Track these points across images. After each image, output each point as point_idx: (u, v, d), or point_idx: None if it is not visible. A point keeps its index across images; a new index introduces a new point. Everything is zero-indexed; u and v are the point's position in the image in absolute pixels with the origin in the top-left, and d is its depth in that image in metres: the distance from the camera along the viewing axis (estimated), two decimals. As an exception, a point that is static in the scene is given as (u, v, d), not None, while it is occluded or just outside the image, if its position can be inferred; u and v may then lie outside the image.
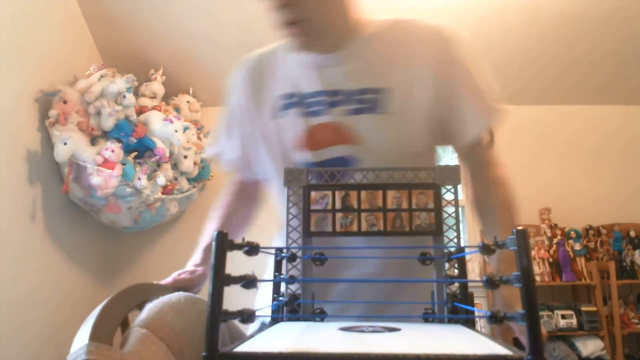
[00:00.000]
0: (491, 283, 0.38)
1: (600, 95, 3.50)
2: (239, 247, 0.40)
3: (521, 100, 3.55)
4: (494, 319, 0.37)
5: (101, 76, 2.57)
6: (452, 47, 0.95)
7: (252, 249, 0.42)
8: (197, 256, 0.97)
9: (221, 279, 0.35)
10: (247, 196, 1.11)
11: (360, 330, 0.43)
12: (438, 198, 0.54)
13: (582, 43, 3.04)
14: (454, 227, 0.52)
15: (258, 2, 0.90)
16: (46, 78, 2.36)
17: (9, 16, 2.13)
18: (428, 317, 0.52)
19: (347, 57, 0.92)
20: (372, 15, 0.99)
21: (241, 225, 1.10)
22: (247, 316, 0.38)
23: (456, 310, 0.51)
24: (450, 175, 0.55)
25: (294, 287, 0.53)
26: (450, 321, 0.52)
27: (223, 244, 0.36)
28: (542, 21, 2.87)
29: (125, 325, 0.71)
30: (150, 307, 0.71)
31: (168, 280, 0.90)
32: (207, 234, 1.03)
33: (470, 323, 0.54)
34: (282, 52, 0.99)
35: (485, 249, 0.41)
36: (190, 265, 0.94)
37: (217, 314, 0.34)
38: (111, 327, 0.65)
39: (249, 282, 0.39)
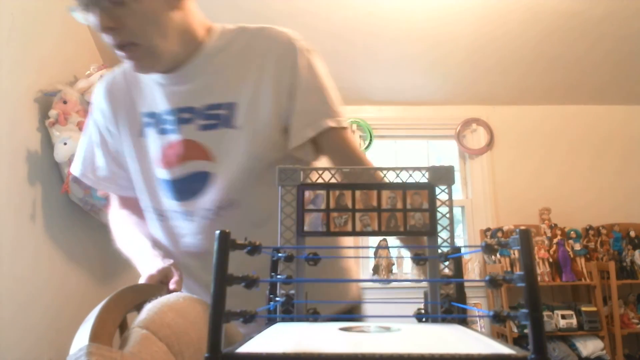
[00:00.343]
0: (494, 283, 0.38)
1: (600, 95, 3.50)
2: (241, 246, 0.40)
3: (521, 101, 3.56)
4: (497, 318, 0.37)
5: (101, 76, 2.57)
6: (294, 56, 0.93)
7: (254, 249, 0.42)
8: (151, 266, 0.90)
9: (224, 279, 0.35)
10: (134, 211, 1.08)
11: (361, 330, 0.43)
12: (432, 198, 0.55)
13: (582, 43, 3.04)
14: (448, 228, 0.53)
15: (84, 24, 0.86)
16: (46, 78, 2.36)
17: (9, 16, 2.13)
18: (422, 317, 0.52)
19: (190, 74, 0.92)
20: (217, 22, 0.98)
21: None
22: (249, 317, 0.38)
23: (450, 310, 0.51)
24: (444, 175, 0.55)
25: (287, 287, 0.53)
26: (445, 321, 0.52)
27: (225, 243, 0.36)
28: (542, 21, 2.87)
29: (123, 326, 0.72)
30: (149, 308, 0.71)
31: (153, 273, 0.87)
32: (138, 245, 1.00)
33: (465, 323, 0.54)
34: (151, 78, 0.97)
35: (488, 249, 0.41)
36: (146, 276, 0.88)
37: (219, 315, 0.34)
38: (111, 328, 0.65)
39: (251, 282, 0.39)
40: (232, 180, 0.91)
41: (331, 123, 0.92)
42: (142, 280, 0.86)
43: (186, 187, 0.93)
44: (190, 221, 0.94)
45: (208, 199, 0.92)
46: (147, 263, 0.91)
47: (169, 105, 0.94)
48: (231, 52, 0.93)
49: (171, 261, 0.90)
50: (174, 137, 0.93)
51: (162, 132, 0.95)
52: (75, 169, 1.08)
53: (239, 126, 0.90)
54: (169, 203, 0.95)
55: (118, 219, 1.08)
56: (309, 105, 0.92)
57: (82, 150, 1.07)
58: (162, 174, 0.94)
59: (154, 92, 0.96)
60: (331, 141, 0.93)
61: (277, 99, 0.91)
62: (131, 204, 1.06)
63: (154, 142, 0.95)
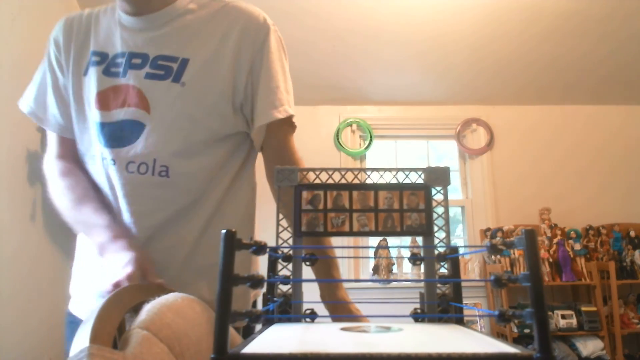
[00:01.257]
0: (499, 282, 0.38)
1: (601, 95, 3.50)
2: (246, 246, 0.40)
3: (521, 101, 3.56)
4: (502, 317, 0.37)
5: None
6: (266, 34, 0.94)
7: (260, 249, 0.42)
8: (125, 254, 0.84)
9: (230, 280, 0.35)
10: (74, 163, 1.00)
11: (362, 330, 0.43)
12: (428, 199, 0.55)
13: (582, 43, 3.04)
14: (444, 228, 0.53)
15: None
16: (46, 78, 2.37)
17: (9, 16, 2.14)
18: (418, 317, 0.52)
19: (156, 22, 0.93)
20: None
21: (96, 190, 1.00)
22: (255, 317, 0.38)
23: (447, 310, 0.51)
24: (440, 176, 0.55)
25: (284, 287, 0.53)
26: (442, 321, 0.52)
27: (231, 243, 0.36)
28: (542, 21, 2.87)
29: (121, 327, 0.71)
30: (148, 309, 0.71)
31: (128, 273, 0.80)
32: (99, 221, 0.91)
33: (462, 322, 0.54)
34: (109, 13, 0.98)
35: (493, 249, 0.41)
36: (123, 268, 0.83)
37: (226, 315, 0.33)
38: (110, 329, 0.65)
39: (257, 282, 0.39)
40: (164, 139, 0.89)
41: (292, 112, 0.93)
42: (120, 277, 0.80)
43: (117, 134, 0.90)
44: (116, 170, 0.89)
45: (134, 152, 0.89)
46: (110, 248, 0.85)
47: (124, 48, 0.93)
48: (200, 15, 0.94)
49: (137, 252, 0.83)
50: (118, 81, 0.92)
51: (108, 73, 0.93)
52: (25, 106, 1.02)
53: (185, 83, 0.89)
54: (99, 146, 0.91)
55: (58, 174, 0.98)
56: (276, 87, 0.93)
57: (35, 87, 1.01)
58: (97, 116, 0.91)
59: (114, 34, 0.95)
60: (281, 132, 0.95)
61: (235, 69, 0.91)
62: (73, 154, 1.00)
63: (95, 82, 0.93)
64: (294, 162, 0.94)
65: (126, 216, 0.89)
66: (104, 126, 0.90)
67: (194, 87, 0.89)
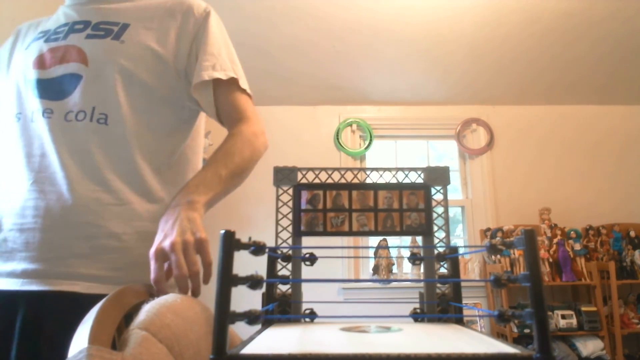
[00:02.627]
0: (499, 282, 0.38)
1: (601, 95, 3.50)
2: (245, 246, 0.40)
3: (521, 101, 3.56)
4: (502, 318, 0.37)
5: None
6: (206, 15, 1.02)
7: (259, 249, 0.42)
8: None
9: (229, 280, 0.35)
10: None
11: (362, 330, 0.43)
12: (428, 198, 0.55)
13: (582, 43, 3.04)
14: (444, 228, 0.53)
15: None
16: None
17: (9, 20, 2.14)
18: (418, 317, 0.52)
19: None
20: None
21: None
22: (254, 317, 0.38)
23: (446, 310, 0.51)
24: (440, 176, 0.55)
25: (284, 287, 0.53)
26: (441, 320, 0.52)
27: (230, 244, 0.36)
28: (542, 21, 2.87)
29: (120, 327, 0.71)
30: (147, 309, 0.71)
31: None
32: None
33: (461, 322, 0.54)
34: (62, 7, 1.06)
35: (492, 249, 0.41)
36: None
37: (225, 315, 0.33)
38: (109, 329, 0.64)
39: (256, 282, 0.39)
40: (101, 88, 0.92)
41: (234, 75, 0.98)
42: None
43: (55, 87, 0.93)
44: (48, 120, 0.90)
45: (73, 101, 0.91)
46: None
47: (67, 20, 1.00)
48: (147, 1, 1.02)
49: None
50: (57, 44, 0.96)
51: (48, 40, 0.98)
52: None
53: (124, 41, 0.95)
54: (33, 102, 0.93)
55: None
56: (217, 53, 0.98)
57: None
58: (33, 74, 0.95)
59: (60, 17, 1.04)
60: (229, 92, 0.99)
61: (177, 38, 0.97)
62: None
63: (35, 48, 0.98)
64: (243, 119, 0.97)
65: (55, 162, 0.88)
66: (41, 82, 0.94)
67: (132, 45, 0.95)
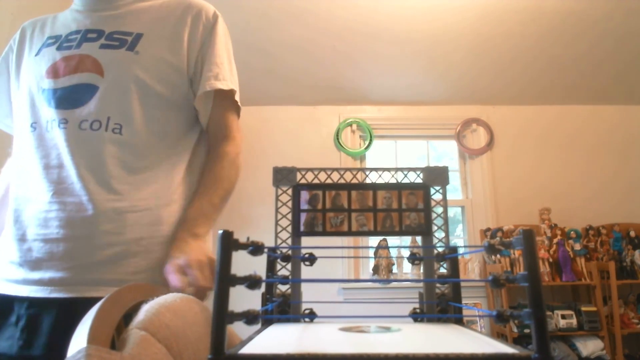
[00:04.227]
0: (497, 282, 0.38)
1: (601, 95, 3.50)
2: (244, 246, 0.40)
3: (521, 101, 3.56)
4: (500, 318, 0.37)
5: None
6: (214, 22, 1.04)
7: (257, 249, 0.42)
8: None
9: (227, 280, 0.35)
10: None
11: (361, 330, 0.43)
12: (427, 198, 0.55)
13: (582, 43, 3.04)
14: (443, 227, 0.53)
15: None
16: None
17: (9, 16, 2.14)
18: (417, 317, 0.52)
19: (113, 3, 1.01)
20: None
21: None
22: (252, 317, 0.38)
23: (446, 310, 0.51)
24: (439, 176, 0.55)
25: (283, 287, 0.53)
26: (441, 320, 0.52)
27: (229, 243, 0.36)
28: (542, 21, 2.87)
29: (119, 327, 0.71)
30: (147, 309, 0.71)
31: None
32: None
33: (461, 322, 0.54)
34: (71, 10, 1.06)
35: (491, 249, 0.41)
36: None
37: (223, 315, 0.33)
38: (108, 329, 0.64)
39: (254, 282, 0.39)
40: (117, 99, 0.93)
41: (233, 87, 1.01)
42: None
43: (70, 97, 0.93)
44: (67, 130, 0.91)
45: (88, 110, 0.92)
46: None
47: (79, 27, 1.00)
48: (157, 2, 1.03)
49: None
50: (70, 52, 0.97)
51: (61, 48, 0.98)
52: None
53: (138, 51, 0.96)
54: (48, 112, 0.94)
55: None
56: (220, 63, 1.01)
57: None
58: (47, 84, 0.95)
59: (68, 19, 1.03)
60: (222, 106, 1.02)
61: (188, 47, 0.99)
62: None
63: (48, 57, 0.98)
64: (229, 138, 1.01)
65: (73, 173, 0.89)
66: (55, 92, 0.94)
67: (147, 56, 0.95)
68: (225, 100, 1.01)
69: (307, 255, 0.54)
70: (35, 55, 1.00)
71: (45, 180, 0.90)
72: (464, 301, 0.54)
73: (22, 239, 0.88)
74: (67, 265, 0.85)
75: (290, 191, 0.56)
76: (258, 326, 0.49)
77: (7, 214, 0.94)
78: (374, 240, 3.27)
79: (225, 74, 1.01)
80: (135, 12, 1.01)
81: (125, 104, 0.93)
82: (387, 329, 0.43)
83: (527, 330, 2.78)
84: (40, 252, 0.86)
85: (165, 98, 0.97)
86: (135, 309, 0.69)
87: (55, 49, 0.98)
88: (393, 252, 3.11)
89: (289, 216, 0.55)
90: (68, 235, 0.86)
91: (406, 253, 2.99)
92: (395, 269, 3.14)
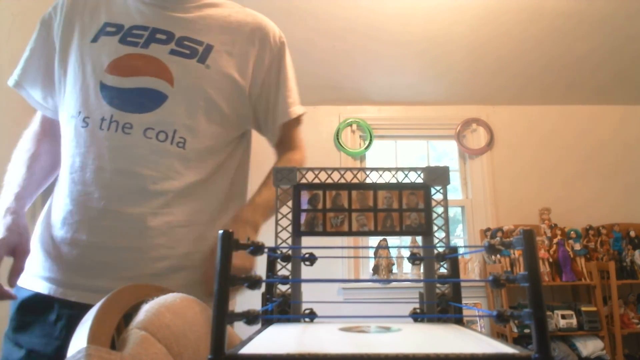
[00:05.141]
0: (497, 283, 0.38)
1: (600, 95, 3.50)
2: (244, 246, 0.40)
3: (521, 101, 3.56)
4: (501, 318, 0.37)
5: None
6: (282, 46, 1.07)
7: (257, 249, 0.42)
8: (8, 218, 0.87)
9: (227, 280, 0.35)
10: (50, 138, 1.02)
11: (361, 330, 0.43)
12: (428, 198, 0.55)
13: (582, 43, 3.04)
14: (443, 228, 0.53)
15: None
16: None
17: (9, 16, 2.14)
18: (417, 317, 0.52)
19: (182, 4, 0.98)
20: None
21: (48, 170, 1.02)
22: (253, 317, 0.38)
23: (446, 310, 0.51)
24: (440, 176, 0.55)
25: (283, 287, 0.53)
26: (441, 320, 0.52)
27: (229, 244, 0.36)
28: (542, 21, 2.87)
29: (119, 327, 0.71)
30: (147, 309, 0.71)
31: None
32: (13, 181, 0.95)
33: (461, 322, 0.54)
34: (131, 1, 1.00)
35: (491, 249, 0.41)
36: (4, 230, 0.85)
37: (223, 316, 0.33)
38: (108, 329, 0.64)
39: (254, 282, 0.39)
40: (185, 113, 0.91)
41: (301, 111, 1.07)
42: None
43: (134, 99, 0.90)
44: (125, 134, 0.88)
45: (155, 119, 0.89)
46: None
47: (145, 22, 0.96)
48: (223, 11, 1.02)
49: (17, 227, 0.85)
50: (137, 50, 0.93)
51: (125, 42, 0.94)
52: (11, 80, 1.03)
53: (209, 65, 0.94)
54: (105, 109, 0.90)
55: (30, 136, 1.04)
56: (292, 89, 1.06)
57: (23, 60, 1.02)
58: (110, 80, 0.91)
59: (129, 7, 0.98)
60: (294, 127, 1.08)
61: (255, 66, 1.00)
62: (51, 132, 1.02)
63: (109, 49, 0.93)
64: (297, 148, 1.07)
65: (132, 182, 0.87)
66: (121, 91, 0.90)
67: (217, 72, 0.95)
68: (297, 121, 1.08)
69: (307, 255, 0.54)
70: (92, 41, 0.94)
71: (96, 184, 0.87)
72: (464, 301, 0.54)
73: (70, 243, 0.87)
74: (121, 276, 0.85)
75: (290, 191, 0.56)
76: (258, 326, 0.49)
77: (54, 206, 0.92)
78: (374, 240, 3.27)
79: (297, 98, 1.06)
80: (205, 18, 0.99)
81: (193, 119, 0.92)
82: (387, 329, 0.43)
83: (527, 330, 2.78)
84: (93, 259, 0.86)
85: (226, 116, 0.97)
86: (135, 309, 0.69)
87: (117, 41, 0.93)
88: (393, 252, 3.11)
89: (289, 216, 0.55)
90: (123, 246, 0.86)
91: (406, 253, 2.99)
92: (395, 269, 3.14)
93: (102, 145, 0.89)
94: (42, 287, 0.87)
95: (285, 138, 1.07)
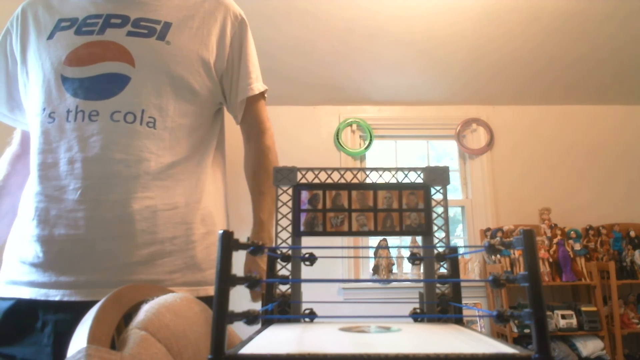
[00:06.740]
0: (497, 283, 0.38)
1: (600, 95, 3.50)
2: (244, 246, 0.40)
3: (521, 101, 3.56)
4: (501, 318, 0.37)
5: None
6: (245, 24, 1.06)
7: (257, 249, 0.42)
8: None
9: (227, 280, 0.35)
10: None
11: (361, 330, 0.43)
12: (428, 198, 0.55)
13: (582, 43, 3.04)
14: (443, 228, 0.53)
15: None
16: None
17: (9, 16, 2.13)
18: (417, 317, 0.52)
19: None
20: None
21: (19, 184, 1.00)
22: (253, 317, 0.38)
23: (446, 310, 0.51)
24: (440, 176, 0.55)
25: (283, 287, 0.53)
26: (441, 321, 0.52)
27: (229, 243, 0.36)
28: (542, 21, 2.87)
29: (119, 327, 0.71)
30: (147, 309, 0.71)
31: None
32: None
33: (461, 322, 0.54)
34: None
35: (491, 249, 0.41)
36: None
37: (223, 316, 0.33)
38: (108, 329, 0.64)
39: (254, 282, 0.39)
40: (151, 91, 0.90)
41: (263, 88, 1.06)
42: None
43: (97, 87, 0.88)
44: (92, 122, 0.86)
45: (121, 101, 0.88)
46: None
47: (99, 11, 0.95)
48: None
49: None
50: (93, 38, 0.91)
51: (80, 32, 0.92)
52: None
53: (170, 42, 0.93)
54: (69, 101, 0.88)
55: (7, 158, 1.04)
56: (254, 66, 1.05)
57: None
58: (70, 72, 0.89)
59: (85, 4, 0.96)
60: (258, 104, 1.07)
61: (219, 41, 0.99)
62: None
63: (65, 42, 0.92)
64: (265, 130, 1.06)
65: (105, 168, 0.85)
66: (82, 81, 0.89)
67: (178, 47, 0.93)
68: (259, 98, 1.07)
69: (307, 255, 0.54)
70: (48, 39, 0.93)
71: (69, 175, 0.85)
72: (464, 301, 0.54)
73: (48, 240, 0.83)
74: (103, 267, 0.82)
75: (290, 191, 0.56)
76: (258, 326, 0.49)
77: (23, 211, 0.89)
78: (374, 240, 3.27)
79: (259, 74, 1.06)
80: (157, 1, 0.97)
81: (160, 97, 0.90)
82: (387, 329, 0.43)
83: (527, 330, 2.77)
84: (73, 253, 0.82)
85: (195, 92, 0.95)
86: (135, 309, 0.69)
87: (73, 33, 0.92)
88: (393, 252, 3.11)
89: (289, 216, 0.55)
90: (102, 236, 0.82)
91: (406, 253, 2.99)
92: (395, 269, 3.14)
93: (70, 137, 0.87)
94: (23, 293, 0.83)
95: (249, 115, 1.06)
